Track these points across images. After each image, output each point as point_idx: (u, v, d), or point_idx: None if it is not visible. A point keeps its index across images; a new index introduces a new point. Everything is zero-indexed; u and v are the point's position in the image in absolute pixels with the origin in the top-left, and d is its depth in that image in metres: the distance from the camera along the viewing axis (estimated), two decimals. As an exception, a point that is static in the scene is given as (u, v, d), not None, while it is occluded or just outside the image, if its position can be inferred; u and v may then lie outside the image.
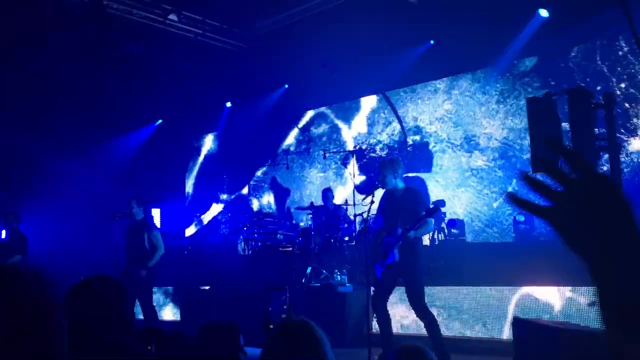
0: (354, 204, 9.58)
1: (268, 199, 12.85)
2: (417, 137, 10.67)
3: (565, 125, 5.55)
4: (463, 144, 10.09)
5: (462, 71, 10.14)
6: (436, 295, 7.41)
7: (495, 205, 9.55)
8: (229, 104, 12.84)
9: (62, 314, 1.05)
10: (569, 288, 6.67)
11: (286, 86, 11.99)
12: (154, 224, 7.94)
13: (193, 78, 11.56)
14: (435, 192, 10.13)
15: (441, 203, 5.70)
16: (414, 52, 10.11)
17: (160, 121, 13.60)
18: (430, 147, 10.49)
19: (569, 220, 0.85)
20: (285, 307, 2.70)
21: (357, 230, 9.24)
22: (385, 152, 10.96)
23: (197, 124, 13.65)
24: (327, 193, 9.94)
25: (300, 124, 12.48)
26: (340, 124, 11.84)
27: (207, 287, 9.59)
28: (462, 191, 9.97)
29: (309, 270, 8.89)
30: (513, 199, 0.88)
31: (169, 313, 10.49)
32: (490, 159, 9.74)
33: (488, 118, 9.84)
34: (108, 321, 2.13)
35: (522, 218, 8.67)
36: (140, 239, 7.72)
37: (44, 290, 1.03)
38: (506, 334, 6.91)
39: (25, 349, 0.98)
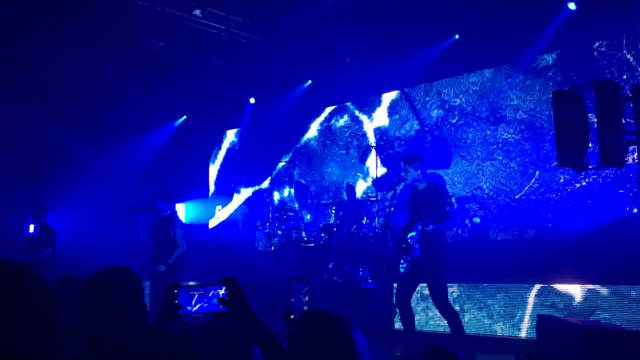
0: (377, 199, 9.56)
1: (289, 192, 12.89)
2: (441, 112, 10.46)
3: (592, 116, 5.48)
4: (489, 117, 9.86)
5: (484, 67, 9.99)
6: (455, 292, 7.37)
7: (517, 197, 9.39)
8: (252, 100, 12.88)
9: (57, 311, 1.08)
10: (589, 285, 6.60)
11: (309, 82, 11.99)
12: (179, 220, 7.98)
13: (217, 74, 11.62)
14: (460, 167, 10.02)
15: (462, 200, 5.68)
16: (436, 48, 10.02)
17: (184, 117, 13.73)
18: (455, 120, 10.29)
19: None
20: (306, 299, 2.71)
21: (380, 225, 9.21)
22: (402, 149, 10.87)
23: (221, 119, 13.74)
24: (349, 188, 9.93)
25: (321, 118, 12.47)
26: (361, 117, 11.80)
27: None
28: (487, 165, 9.77)
29: (331, 265, 8.90)
30: None
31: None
32: (516, 131, 9.53)
33: (515, 89, 9.62)
34: (122, 310, 2.16)
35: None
36: (167, 234, 7.79)
37: (41, 287, 1.06)
38: (524, 331, 6.88)
39: (18, 343, 1.00)
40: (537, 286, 6.96)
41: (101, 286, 2.29)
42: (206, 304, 2.17)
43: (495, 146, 9.73)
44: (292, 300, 2.70)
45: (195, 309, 2.19)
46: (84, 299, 2.16)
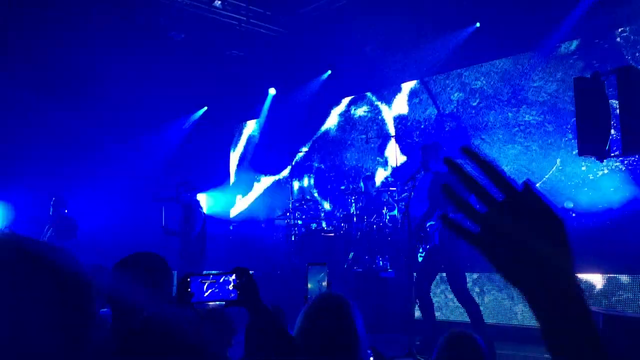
0: (396, 189, 9.55)
1: (309, 181, 12.91)
2: (462, 95, 10.33)
3: (613, 102, 5.42)
4: (510, 99, 9.69)
5: (505, 55, 9.85)
6: (475, 274, 7.37)
7: (538, 184, 9.22)
8: (272, 91, 12.91)
9: (93, 298, 1.07)
10: (611, 274, 6.55)
11: (329, 72, 11.98)
12: (194, 209, 8.04)
13: (237, 65, 11.67)
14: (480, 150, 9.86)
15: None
16: (456, 37, 9.92)
17: (205, 108, 13.83)
18: (475, 103, 10.14)
19: (498, 247, 0.80)
20: (324, 284, 2.78)
21: (399, 215, 9.20)
22: (421, 138, 10.77)
23: (241, 110, 13.81)
24: (369, 178, 9.92)
25: (341, 107, 12.45)
26: (381, 106, 11.75)
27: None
28: (508, 148, 9.61)
29: (351, 255, 8.93)
30: (446, 221, 0.83)
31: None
32: (538, 112, 9.34)
33: (537, 72, 9.44)
34: (151, 292, 2.23)
35: (570, 204, 8.46)
36: (183, 221, 7.92)
37: (78, 271, 1.05)
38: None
39: (56, 327, 0.98)
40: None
41: (133, 271, 2.37)
42: (217, 291, 2.23)
43: (516, 128, 9.57)
44: (310, 285, 2.76)
45: (205, 295, 2.24)
46: (115, 283, 2.24)
